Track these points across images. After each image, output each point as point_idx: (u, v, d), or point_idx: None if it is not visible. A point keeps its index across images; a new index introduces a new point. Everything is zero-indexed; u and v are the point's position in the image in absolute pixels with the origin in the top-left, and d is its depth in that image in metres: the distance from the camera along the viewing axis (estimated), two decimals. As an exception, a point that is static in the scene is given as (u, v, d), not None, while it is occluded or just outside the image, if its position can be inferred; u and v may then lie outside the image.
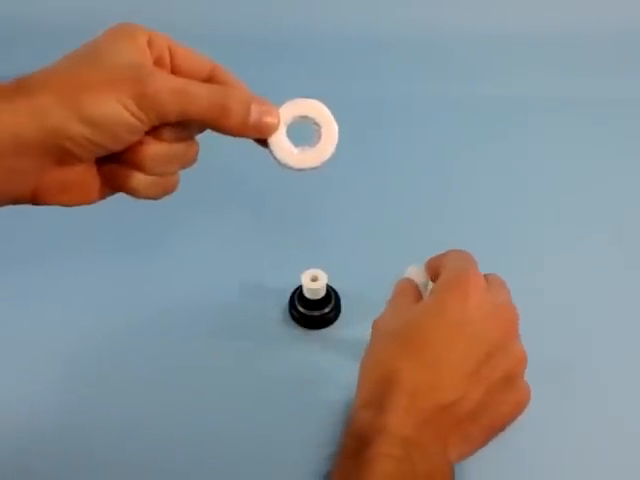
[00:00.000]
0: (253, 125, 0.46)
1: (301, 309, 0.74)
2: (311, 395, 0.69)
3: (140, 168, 0.45)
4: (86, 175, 0.46)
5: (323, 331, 0.75)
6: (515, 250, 0.80)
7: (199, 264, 0.81)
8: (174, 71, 0.48)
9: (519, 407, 0.52)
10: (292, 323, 0.75)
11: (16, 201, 0.45)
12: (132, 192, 0.47)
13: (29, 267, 0.79)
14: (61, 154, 0.43)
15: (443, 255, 0.58)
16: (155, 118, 0.43)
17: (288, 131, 0.49)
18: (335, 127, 0.49)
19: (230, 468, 0.64)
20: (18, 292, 0.78)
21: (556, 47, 1.05)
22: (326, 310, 0.74)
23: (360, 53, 1.06)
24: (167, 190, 0.48)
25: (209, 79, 0.49)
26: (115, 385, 0.70)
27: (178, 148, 0.46)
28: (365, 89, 1.02)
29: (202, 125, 0.47)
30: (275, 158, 0.48)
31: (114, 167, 0.46)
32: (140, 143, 0.45)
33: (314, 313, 0.74)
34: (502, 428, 0.51)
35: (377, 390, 0.49)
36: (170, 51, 0.48)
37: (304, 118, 0.48)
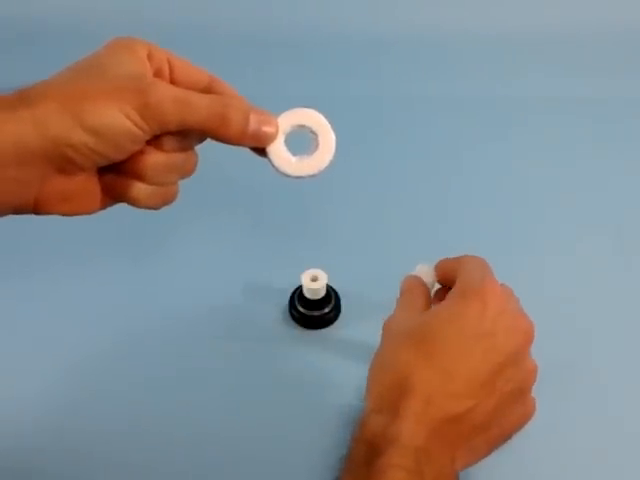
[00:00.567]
0: (252, 134, 0.47)
1: (301, 309, 0.74)
2: (311, 395, 0.69)
3: (141, 178, 0.46)
4: (87, 185, 0.46)
5: (323, 331, 0.75)
6: (515, 250, 0.80)
7: (199, 265, 0.81)
8: (173, 83, 0.48)
9: (525, 419, 0.52)
10: (292, 323, 0.75)
11: (18, 211, 0.45)
12: (133, 202, 0.47)
13: (32, 273, 0.79)
14: (63, 163, 0.43)
15: (457, 259, 0.57)
16: (157, 127, 0.44)
17: (286, 140, 0.49)
18: (332, 136, 0.49)
19: (230, 468, 0.64)
20: (20, 298, 0.78)
21: (556, 47, 1.05)
22: (326, 310, 0.74)
23: (360, 53, 1.06)
24: (167, 200, 0.49)
25: (207, 90, 0.49)
26: (117, 386, 0.70)
27: (178, 158, 0.47)
28: (366, 89, 1.02)
29: (202, 134, 0.47)
30: (273, 166, 0.49)
31: (115, 177, 0.46)
32: (141, 153, 0.45)
33: (314, 313, 0.74)
34: (507, 439, 0.52)
35: (390, 395, 0.48)
36: (169, 63, 0.49)
37: (302, 127, 0.49)
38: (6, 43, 1.07)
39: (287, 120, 0.48)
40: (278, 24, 1.08)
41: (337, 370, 0.71)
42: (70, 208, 0.46)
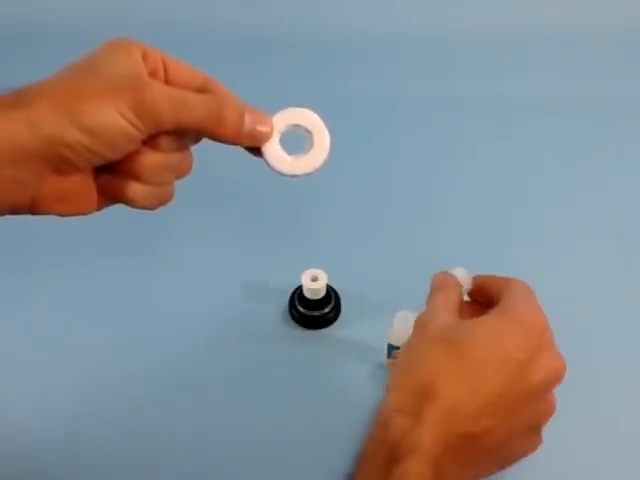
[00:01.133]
0: (247, 133, 0.47)
1: (301, 309, 0.74)
2: (311, 395, 0.69)
3: (137, 177, 0.46)
4: (83, 185, 0.46)
5: (323, 331, 0.75)
6: (515, 250, 0.80)
7: (199, 265, 0.81)
8: (168, 83, 0.48)
9: (529, 451, 0.52)
10: (292, 323, 0.75)
11: (14, 211, 0.45)
12: (129, 202, 0.47)
13: (29, 271, 0.79)
14: (59, 163, 0.43)
15: (506, 279, 0.55)
16: (152, 127, 0.44)
17: (281, 139, 0.49)
18: (327, 135, 0.50)
19: (230, 468, 0.64)
20: (17, 296, 0.78)
21: (556, 47, 1.05)
22: (326, 310, 0.74)
23: (360, 53, 1.06)
24: (162, 200, 0.49)
25: (202, 91, 0.49)
26: (116, 386, 0.70)
27: (173, 158, 0.47)
28: (366, 89, 1.02)
29: (198, 134, 0.48)
30: (269, 165, 0.49)
31: (111, 177, 0.46)
32: (137, 152, 0.45)
33: (314, 313, 0.74)
34: (507, 466, 0.52)
35: (415, 397, 0.47)
36: (164, 64, 0.49)
37: (296, 127, 0.49)
38: (6, 43, 1.07)
39: (282, 120, 0.49)
40: (278, 24, 1.08)
41: (337, 370, 0.71)
42: (66, 208, 0.46)
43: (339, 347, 0.73)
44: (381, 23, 1.08)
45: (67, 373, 0.71)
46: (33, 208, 0.45)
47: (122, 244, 0.82)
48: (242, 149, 0.50)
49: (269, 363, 0.72)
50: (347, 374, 0.71)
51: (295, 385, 0.70)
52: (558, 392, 0.66)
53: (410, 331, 0.66)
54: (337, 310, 0.75)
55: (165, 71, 0.48)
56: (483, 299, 0.56)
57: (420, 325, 0.53)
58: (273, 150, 0.48)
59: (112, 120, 0.42)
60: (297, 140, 0.50)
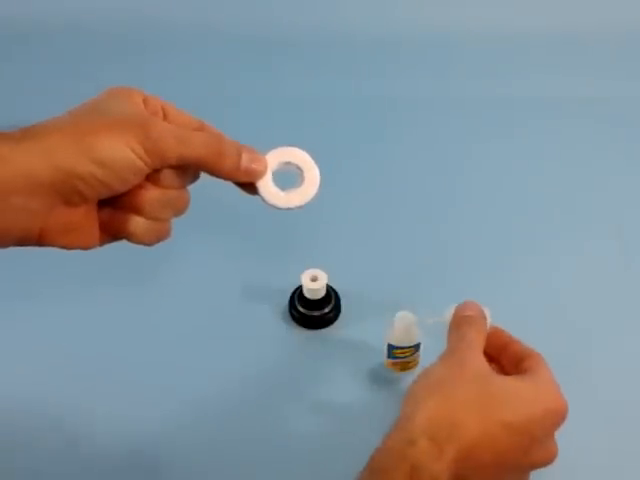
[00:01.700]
0: (244, 169, 0.50)
1: (301, 309, 0.74)
2: (311, 395, 0.69)
3: (138, 211, 0.48)
4: (87, 218, 0.48)
5: (323, 331, 0.75)
6: (516, 250, 0.80)
7: (199, 265, 0.81)
8: None
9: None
10: (292, 323, 0.75)
11: (21, 241, 0.46)
12: (129, 235, 0.49)
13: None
14: (70, 193, 0.45)
15: (528, 349, 0.57)
16: (158, 161, 0.46)
17: (274, 176, 0.52)
18: (316, 172, 0.53)
19: (230, 467, 0.64)
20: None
21: (557, 47, 1.05)
22: (326, 310, 0.74)
23: (361, 53, 1.06)
24: (161, 236, 0.51)
25: None
26: (116, 387, 0.70)
27: (173, 194, 0.49)
28: (366, 89, 1.02)
29: (198, 169, 0.50)
30: (263, 200, 0.52)
31: (113, 211, 0.49)
32: (140, 187, 0.47)
33: (314, 313, 0.74)
34: None
35: (445, 430, 0.48)
36: (163, 109, 0.51)
37: (288, 164, 0.53)
38: (6, 43, 1.07)
39: (274, 158, 0.52)
40: (278, 24, 1.08)
41: (337, 370, 0.71)
42: (70, 240, 0.48)
43: (339, 347, 0.73)
44: (381, 23, 1.08)
45: (67, 370, 0.71)
46: (40, 239, 0.47)
47: (120, 245, 0.82)
48: (237, 189, 0.53)
49: (269, 363, 0.72)
50: (347, 374, 0.71)
51: (295, 385, 0.70)
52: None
53: (412, 331, 0.66)
54: (337, 310, 0.75)
55: (164, 115, 0.51)
56: (492, 352, 0.57)
57: (457, 360, 0.53)
58: (267, 186, 0.52)
59: (122, 153, 0.45)
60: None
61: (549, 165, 0.92)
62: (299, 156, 0.53)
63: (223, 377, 0.71)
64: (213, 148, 0.48)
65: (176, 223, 0.81)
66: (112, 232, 0.49)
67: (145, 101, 0.50)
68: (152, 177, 0.48)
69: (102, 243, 0.50)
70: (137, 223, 0.48)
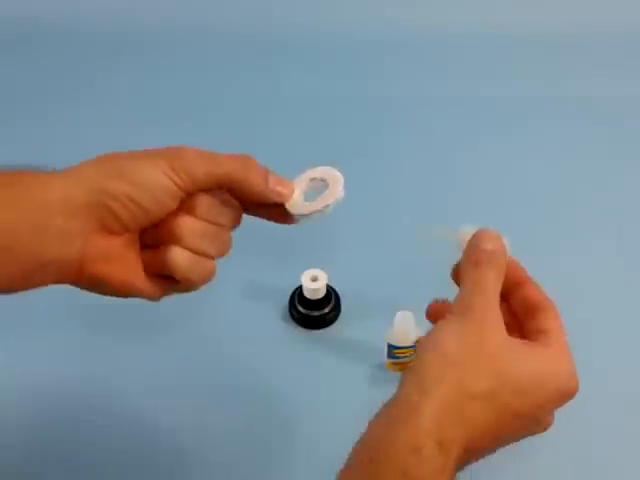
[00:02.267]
0: (272, 188, 0.51)
1: (301, 309, 0.74)
2: (311, 394, 0.69)
3: (177, 240, 0.49)
4: (128, 249, 0.49)
5: (323, 331, 0.75)
6: (515, 250, 0.80)
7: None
8: None
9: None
10: (292, 323, 0.75)
11: (62, 272, 0.47)
12: (171, 269, 0.49)
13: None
14: (105, 215, 0.46)
15: (552, 310, 0.50)
16: (189, 181, 0.47)
17: (304, 196, 0.53)
18: (339, 174, 0.53)
19: (230, 467, 0.64)
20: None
21: (557, 47, 1.05)
22: (326, 310, 0.74)
23: (362, 52, 1.06)
24: (205, 276, 0.52)
25: None
26: (117, 386, 0.70)
27: (212, 229, 0.51)
28: (366, 89, 1.02)
29: (230, 193, 0.51)
30: (292, 214, 0.53)
31: (155, 250, 0.49)
32: (176, 215, 0.49)
33: (314, 313, 0.74)
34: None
35: (451, 424, 0.43)
36: None
37: (314, 180, 0.54)
38: (6, 43, 1.07)
39: (301, 180, 0.53)
40: (278, 24, 1.08)
41: (337, 370, 0.71)
42: (111, 270, 0.48)
43: (339, 347, 0.73)
44: (381, 23, 1.08)
45: (67, 369, 0.71)
46: (79, 269, 0.47)
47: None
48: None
49: (269, 363, 0.72)
50: (347, 374, 0.71)
51: (295, 385, 0.70)
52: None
53: (412, 331, 0.65)
54: (337, 310, 0.75)
55: None
56: (504, 289, 0.50)
57: (475, 329, 0.46)
58: (296, 204, 0.53)
59: (152, 172, 0.47)
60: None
61: (548, 165, 0.92)
62: (326, 172, 0.54)
63: (223, 377, 0.71)
64: (242, 167, 0.49)
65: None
66: (156, 270, 0.50)
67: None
68: (187, 206, 0.48)
69: (154, 287, 0.50)
70: (178, 254, 0.49)
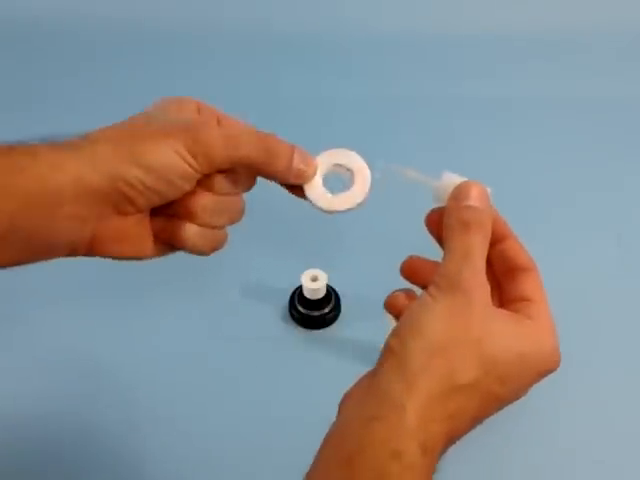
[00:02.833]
0: (295, 170, 0.49)
1: (301, 309, 0.74)
2: (311, 395, 0.69)
3: (191, 218, 0.47)
4: (140, 227, 0.47)
5: (323, 331, 0.75)
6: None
7: (199, 265, 0.80)
8: None
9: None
10: (292, 323, 0.75)
11: (72, 251, 0.46)
12: (183, 244, 0.49)
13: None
14: (119, 200, 0.45)
15: (527, 263, 0.48)
16: (206, 163, 0.45)
17: (324, 179, 0.51)
18: (367, 172, 0.52)
19: (229, 467, 0.64)
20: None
21: (557, 47, 1.05)
22: (326, 310, 0.74)
23: (362, 52, 1.06)
24: (216, 245, 0.50)
25: None
26: (117, 386, 0.70)
27: (227, 201, 0.48)
28: (367, 88, 1.02)
29: (250, 170, 0.49)
30: (311, 203, 0.50)
31: (166, 220, 0.48)
32: (192, 193, 0.46)
33: (314, 313, 0.74)
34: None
35: (435, 421, 0.41)
36: (217, 119, 0.50)
37: (338, 166, 0.51)
38: (6, 43, 1.07)
39: (325, 160, 0.50)
40: (278, 24, 1.08)
41: (337, 370, 0.71)
42: (122, 250, 0.47)
43: (339, 347, 0.73)
44: (381, 23, 1.08)
45: (66, 369, 0.71)
46: (91, 248, 0.46)
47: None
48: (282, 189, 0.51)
49: (269, 363, 0.72)
50: (347, 374, 0.70)
51: (295, 385, 0.70)
52: (559, 394, 0.67)
53: None
54: (337, 310, 0.75)
55: (218, 123, 0.49)
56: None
57: (462, 309, 0.43)
58: (315, 189, 0.50)
59: (168, 158, 0.44)
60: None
61: (548, 165, 0.91)
62: (351, 158, 0.51)
63: (223, 377, 0.71)
64: (263, 149, 0.47)
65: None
66: (167, 241, 0.49)
67: (199, 110, 0.49)
68: (204, 183, 0.46)
69: (159, 253, 0.49)
70: (191, 230, 0.48)
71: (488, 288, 0.44)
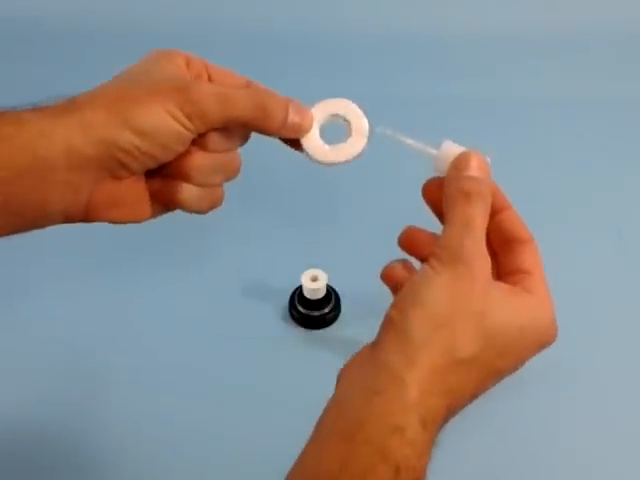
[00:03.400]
0: (291, 125, 0.47)
1: (301, 309, 0.74)
2: (311, 395, 0.69)
3: (187, 179, 0.46)
4: (136, 190, 0.46)
5: (323, 331, 0.75)
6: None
7: (199, 265, 0.81)
8: None
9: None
10: (292, 323, 0.75)
11: (69, 217, 0.45)
12: (181, 204, 0.47)
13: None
14: (113, 166, 0.44)
15: (523, 234, 0.48)
16: (201, 124, 0.44)
17: (321, 131, 0.50)
18: (365, 122, 0.51)
19: (229, 467, 0.64)
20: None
21: (557, 47, 1.05)
22: (326, 310, 0.74)
23: (362, 52, 1.06)
24: (213, 203, 0.49)
25: None
26: (116, 386, 0.70)
27: (222, 158, 0.47)
28: (367, 88, 1.01)
29: (244, 128, 0.48)
30: (308, 156, 0.49)
31: (162, 181, 0.47)
32: (186, 153, 0.46)
33: (314, 313, 0.74)
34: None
35: (436, 394, 0.40)
36: (207, 70, 0.49)
37: (335, 117, 0.50)
38: (6, 43, 1.07)
39: (321, 111, 0.49)
40: (279, 24, 1.08)
41: (337, 370, 0.71)
42: (120, 214, 0.47)
43: (339, 347, 0.73)
44: (381, 23, 1.08)
45: (65, 369, 0.71)
46: (87, 214, 0.45)
47: (120, 246, 0.82)
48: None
49: (269, 363, 0.72)
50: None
51: (295, 385, 0.70)
52: (559, 394, 0.67)
53: None
54: (337, 310, 0.75)
55: (209, 77, 0.49)
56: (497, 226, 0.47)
57: (464, 282, 0.42)
58: (312, 141, 0.49)
59: (161, 120, 0.43)
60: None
61: (548, 165, 0.91)
62: (347, 107, 0.50)
63: (223, 377, 0.71)
64: (257, 104, 0.46)
65: (175, 223, 0.81)
66: (163, 202, 0.47)
67: (188, 63, 0.48)
68: (199, 142, 0.45)
69: (154, 214, 0.48)
70: (187, 191, 0.46)
71: (489, 260, 0.43)
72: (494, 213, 0.47)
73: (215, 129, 0.46)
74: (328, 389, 0.69)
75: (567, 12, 1.06)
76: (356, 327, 0.74)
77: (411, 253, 0.49)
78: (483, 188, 0.46)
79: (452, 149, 0.48)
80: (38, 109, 0.43)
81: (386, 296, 0.70)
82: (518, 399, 0.67)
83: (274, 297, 0.77)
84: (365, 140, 0.50)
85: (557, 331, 0.45)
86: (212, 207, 0.49)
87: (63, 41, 1.06)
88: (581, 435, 0.66)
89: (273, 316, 0.76)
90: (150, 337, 0.74)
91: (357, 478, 0.38)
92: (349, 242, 0.82)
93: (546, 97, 0.99)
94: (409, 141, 0.52)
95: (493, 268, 0.45)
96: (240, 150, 0.51)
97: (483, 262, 0.43)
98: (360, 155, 0.50)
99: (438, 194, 0.47)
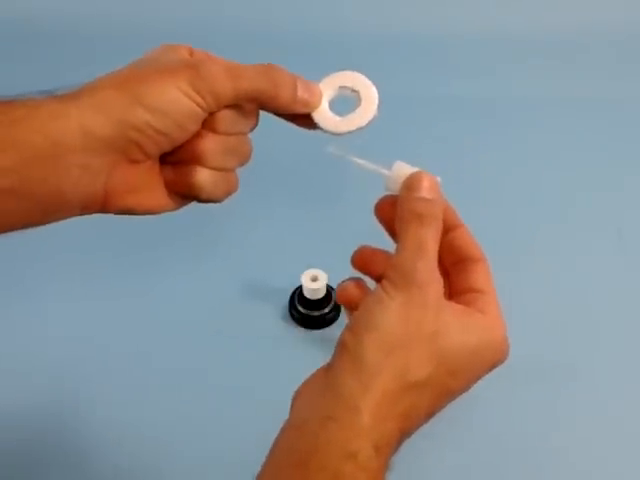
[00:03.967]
0: (301, 99, 0.48)
1: (301, 309, 0.74)
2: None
3: (200, 161, 0.46)
4: (151, 175, 0.46)
5: (323, 331, 0.75)
6: (515, 250, 0.80)
7: (199, 265, 0.81)
8: None
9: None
10: (292, 323, 0.75)
11: (86, 207, 0.45)
12: (197, 189, 0.47)
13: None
14: (127, 147, 0.43)
15: (474, 253, 0.48)
16: (211, 99, 0.44)
17: (331, 104, 0.50)
18: (374, 90, 0.51)
19: (229, 467, 0.64)
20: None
21: (557, 47, 1.05)
22: (326, 310, 0.74)
23: (363, 52, 1.05)
24: (229, 189, 0.49)
25: None
26: (117, 386, 0.70)
27: (234, 140, 0.47)
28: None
29: (254, 109, 0.48)
30: (321, 129, 0.50)
31: (176, 168, 0.47)
32: (198, 136, 0.46)
33: (314, 313, 0.74)
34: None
35: (388, 419, 0.40)
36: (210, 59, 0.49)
37: (343, 89, 0.50)
38: (6, 43, 1.07)
39: (328, 84, 0.50)
40: (279, 23, 1.08)
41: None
42: (137, 201, 0.46)
43: (339, 347, 0.73)
44: (381, 23, 1.08)
45: (66, 369, 0.71)
46: (105, 202, 0.45)
47: (123, 249, 0.82)
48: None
49: (269, 363, 0.72)
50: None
51: (295, 385, 0.70)
52: (559, 393, 0.67)
53: None
54: (337, 310, 0.75)
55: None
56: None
57: (416, 308, 0.42)
58: (323, 114, 0.49)
59: (173, 97, 0.43)
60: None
61: (548, 165, 0.91)
62: (354, 78, 0.50)
63: (223, 377, 0.71)
64: (267, 79, 0.46)
65: (174, 223, 0.81)
66: (180, 190, 0.47)
67: (191, 54, 0.49)
68: (209, 124, 0.46)
69: (174, 206, 0.48)
70: (202, 174, 0.46)
71: (442, 281, 0.44)
72: (446, 231, 0.47)
73: (226, 107, 0.46)
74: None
75: (567, 12, 1.06)
76: (356, 327, 0.74)
77: (365, 272, 0.49)
78: (435, 209, 0.47)
79: (403, 169, 0.50)
80: (50, 95, 0.44)
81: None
82: (518, 399, 0.67)
83: (274, 297, 0.77)
84: (375, 107, 0.50)
85: (509, 350, 0.45)
86: (228, 193, 0.49)
87: (63, 41, 1.06)
88: (580, 435, 0.66)
89: (273, 316, 0.76)
90: (150, 337, 0.74)
91: None
92: (349, 242, 0.82)
93: (546, 97, 0.99)
94: (360, 161, 0.52)
95: (445, 287, 0.45)
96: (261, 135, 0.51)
97: (436, 285, 0.43)
98: (371, 122, 0.50)
99: (390, 213, 0.49)
